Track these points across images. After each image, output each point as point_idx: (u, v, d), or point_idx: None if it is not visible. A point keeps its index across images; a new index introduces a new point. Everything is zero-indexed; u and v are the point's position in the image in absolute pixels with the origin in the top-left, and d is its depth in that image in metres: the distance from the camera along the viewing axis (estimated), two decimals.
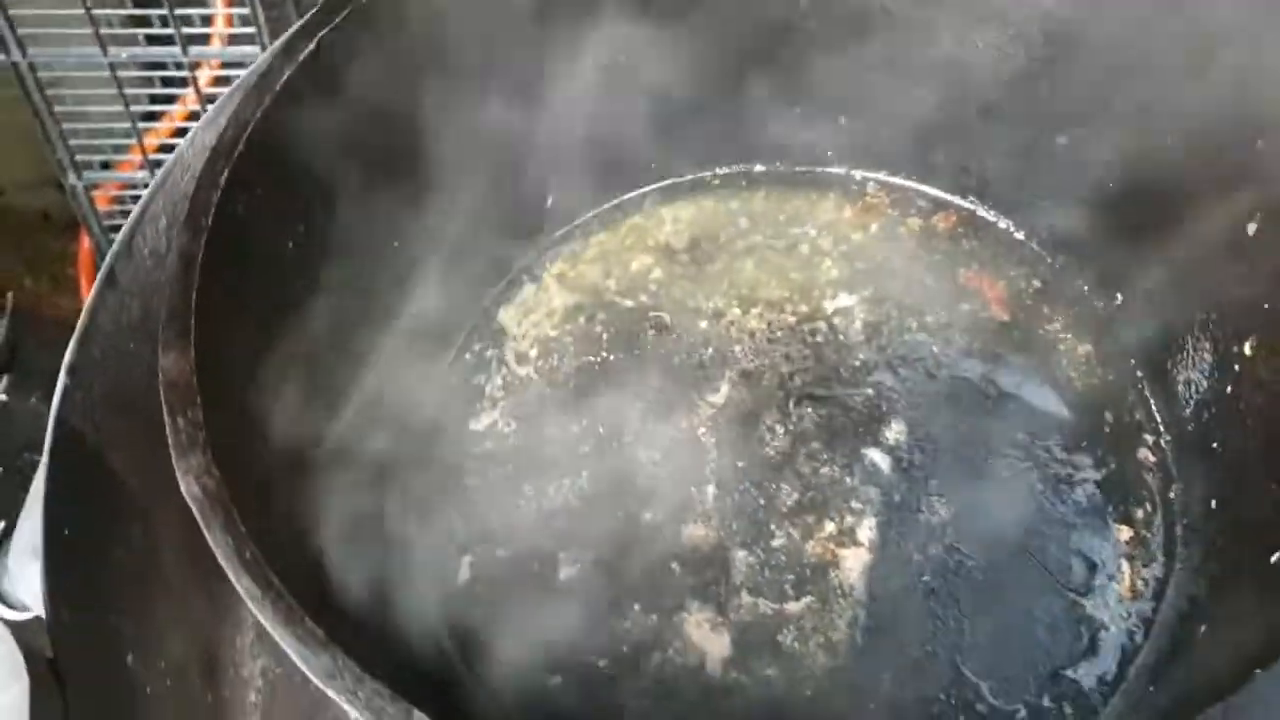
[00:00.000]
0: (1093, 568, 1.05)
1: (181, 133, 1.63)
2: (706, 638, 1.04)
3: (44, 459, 0.93)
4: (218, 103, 1.12)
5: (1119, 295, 1.19)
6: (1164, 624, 1.02)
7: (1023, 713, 0.99)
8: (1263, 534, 0.92)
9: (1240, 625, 0.90)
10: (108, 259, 1.03)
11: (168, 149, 1.70)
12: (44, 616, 0.88)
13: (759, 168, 1.37)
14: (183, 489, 0.74)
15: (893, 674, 1.01)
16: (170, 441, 0.76)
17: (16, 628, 0.89)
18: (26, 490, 0.97)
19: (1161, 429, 1.13)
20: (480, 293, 1.28)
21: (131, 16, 1.76)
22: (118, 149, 1.77)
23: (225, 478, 0.74)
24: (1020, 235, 1.28)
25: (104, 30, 1.60)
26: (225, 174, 0.88)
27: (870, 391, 1.17)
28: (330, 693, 0.68)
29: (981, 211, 1.30)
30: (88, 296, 1.02)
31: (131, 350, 1.03)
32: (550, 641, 1.04)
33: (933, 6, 1.19)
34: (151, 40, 1.71)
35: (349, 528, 0.95)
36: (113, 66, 1.62)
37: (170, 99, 1.78)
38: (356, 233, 1.04)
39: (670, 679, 1.03)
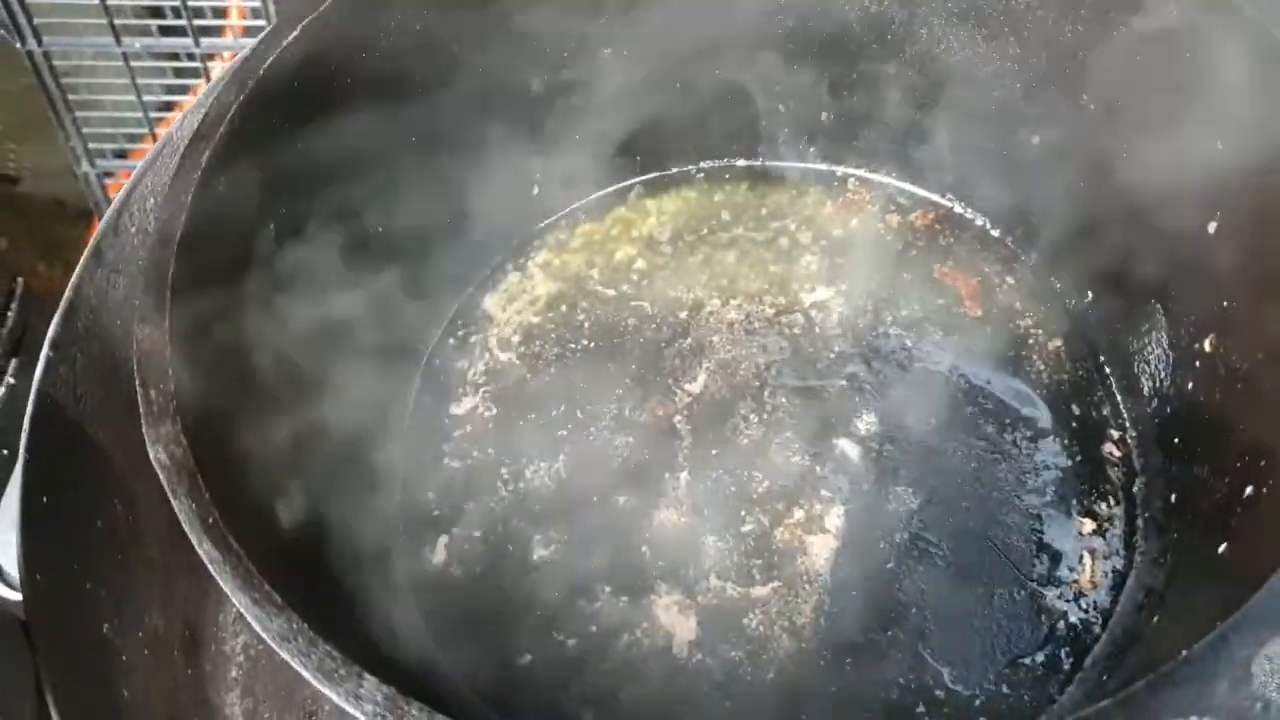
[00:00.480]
0: (1055, 559, 1.07)
1: None
2: (674, 620, 1.06)
3: (24, 428, 0.95)
4: (207, 88, 1.15)
5: (1089, 293, 1.21)
6: (1121, 615, 1.03)
7: (981, 699, 1.00)
8: (1215, 527, 0.94)
9: (1191, 616, 0.91)
10: (94, 236, 1.06)
11: None
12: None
13: (742, 163, 1.39)
14: (151, 456, 0.77)
15: (854, 658, 1.03)
16: (142, 410, 0.78)
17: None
18: None
19: (1127, 424, 1.14)
20: (466, 279, 1.31)
21: (146, 7, 1.78)
22: (131, 138, 1.79)
23: (194, 449, 0.77)
24: (996, 233, 1.30)
25: (118, 20, 1.62)
26: (206, 155, 0.90)
27: (844, 383, 1.19)
28: (284, 655, 0.70)
29: (959, 209, 1.32)
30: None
31: (116, 326, 1.05)
32: (521, 622, 1.06)
33: (911, 5, 1.21)
34: (165, 31, 1.73)
35: (323, 506, 0.98)
36: (126, 56, 1.64)
37: (183, 89, 1.81)
38: (338, 217, 1.06)
39: (638, 660, 1.04)
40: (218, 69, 1.71)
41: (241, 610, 0.72)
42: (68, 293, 1.03)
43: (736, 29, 1.26)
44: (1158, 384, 1.11)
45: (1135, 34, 1.04)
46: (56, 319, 1.02)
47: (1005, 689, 1.01)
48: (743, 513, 1.11)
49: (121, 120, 1.76)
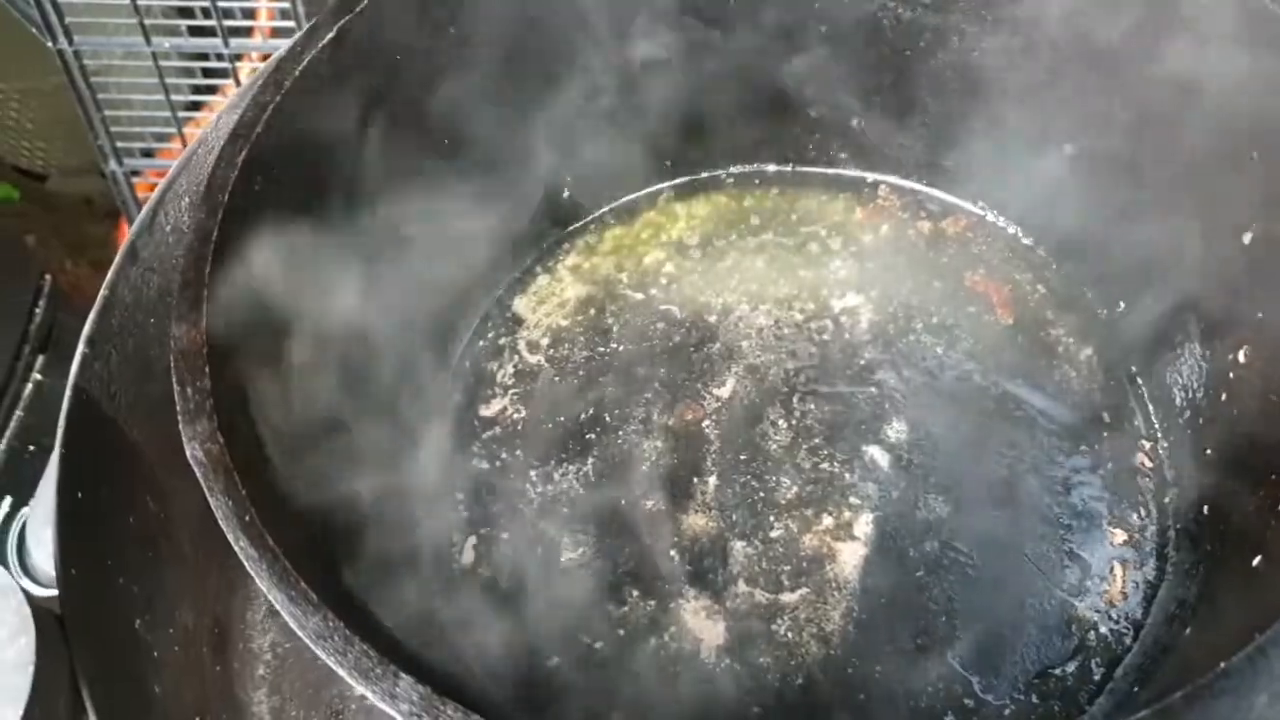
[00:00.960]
0: (1085, 569, 1.06)
1: None
2: (702, 625, 1.06)
3: (60, 424, 0.96)
4: (242, 87, 1.15)
5: (1121, 303, 1.20)
6: (1152, 626, 1.03)
7: (1010, 709, 1.00)
8: (1250, 539, 0.93)
9: (1224, 628, 0.91)
10: (130, 234, 1.06)
11: None
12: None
13: (772, 168, 1.39)
14: (188, 453, 0.77)
15: (884, 666, 1.02)
16: (178, 408, 0.79)
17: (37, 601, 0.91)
18: None
19: (1159, 434, 1.14)
20: (496, 281, 1.31)
21: (175, 7, 1.80)
22: (159, 137, 1.80)
23: (230, 447, 0.77)
24: (1028, 241, 1.29)
25: (148, 20, 1.63)
26: (243, 153, 0.91)
27: (873, 390, 1.19)
28: (320, 653, 0.70)
29: (991, 217, 1.32)
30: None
31: (150, 323, 1.06)
32: (548, 624, 1.06)
33: (944, 12, 1.21)
34: (194, 31, 1.74)
35: (355, 507, 0.98)
36: (156, 56, 1.66)
37: (211, 89, 1.82)
38: (371, 217, 1.07)
39: (666, 664, 1.04)
40: (246, 70, 1.72)
41: (277, 608, 0.72)
42: (103, 290, 1.04)
43: (767, 34, 1.25)
44: (1190, 395, 1.10)
45: (1171, 44, 1.03)
46: (92, 316, 1.02)
47: (1035, 699, 1.00)
48: (771, 518, 1.11)
49: (150, 120, 1.77)
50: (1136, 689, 0.99)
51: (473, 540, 1.13)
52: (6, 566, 0.94)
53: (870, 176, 1.37)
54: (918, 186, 1.36)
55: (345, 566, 0.92)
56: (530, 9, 1.16)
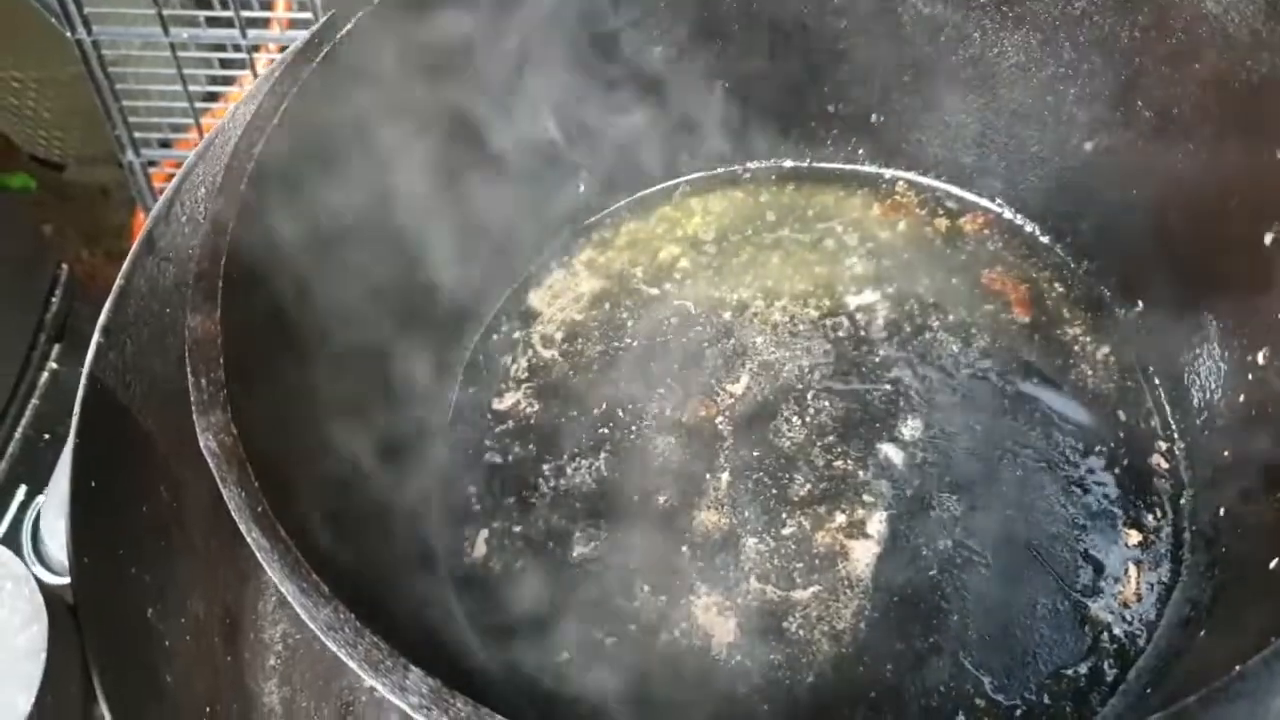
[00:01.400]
0: (1100, 570, 1.06)
1: None
2: (713, 621, 1.05)
3: (75, 413, 0.96)
4: (259, 79, 1.15)
5: (1139, 302, 1.20)
6: (1167, 628, 1.02)
7: (1022, 709, 0.99)
8: (1265, 542, 0.93)
9: (1239, 630, 0.90)
10: (147, 224, 1.06)
11: None
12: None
13: (789, 163, 1.39)
14: (201, 444, 0.77)
15: (895, 665, 1.02)
16: (192, 399, 0.79)
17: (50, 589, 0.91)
18: None
19: (1175, 435, 1.13)
20: (510, 275, 1.31)
21: None
22: (176, 128, 1.81)
23: (244, 438, 0.77)
24: (1046, 240, 1.29)
25: (166, 11, 1.64)
26: (260, 145, 0.91)
27: (888, 387, 1.18)
28: (331, 645, 0.70)
29: (1009, 214, 1.31)
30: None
31: (165, 313, 1.06)
32: (560, 618, 1.06)
33: (964, 8, 1.20)
34: (212, 22, 1.75)
35: (368, 499, 0.98)
36: (173, 46, 1.66)
37: (229, 80, 1.82)
38: (389, 207, 1.07)
39: (676, 659, 1.04)
40: (263, 61, 1.72)
41: (289, 598, 0.72)
42: (119, 280, 1.04)
43: (787, 29, 1.25)
44: (1208, 396, 1.09)
45: (1191, 41, 1.03)
46: (108, 306, 1.02)
47: (1047, 699, 1.00)
48: (784, 515, 1.11)
49: (167, 110, 1.77)
50: (1149, 691, 0.98)
51: (485, 534, 1.13)
52: (20, 554, 0.94)
53: (888, 173, 1.37)
54: (935, 183, 1.35)
55: (357, 558, 0.93)
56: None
